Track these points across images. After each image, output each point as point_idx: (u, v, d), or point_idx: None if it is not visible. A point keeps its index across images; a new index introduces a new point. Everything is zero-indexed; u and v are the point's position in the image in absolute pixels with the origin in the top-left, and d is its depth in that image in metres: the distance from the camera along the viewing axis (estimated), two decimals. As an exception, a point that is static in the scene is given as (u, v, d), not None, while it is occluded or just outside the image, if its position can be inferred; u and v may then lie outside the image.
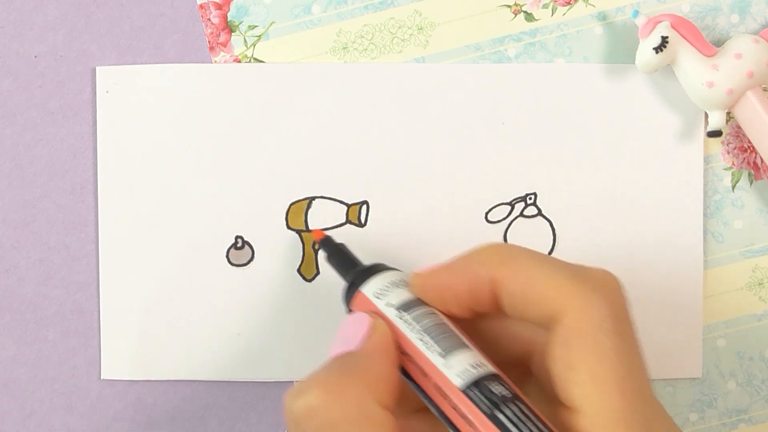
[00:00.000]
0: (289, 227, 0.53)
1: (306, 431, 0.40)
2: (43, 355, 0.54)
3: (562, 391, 0.40)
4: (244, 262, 0.53)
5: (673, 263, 0.53)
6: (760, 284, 0.53)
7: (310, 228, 0.53)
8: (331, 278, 0.53)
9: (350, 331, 0.42)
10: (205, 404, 0.54)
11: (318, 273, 0.53)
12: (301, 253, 0.53)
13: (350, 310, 0.45)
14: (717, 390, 0.54)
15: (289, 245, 0.53)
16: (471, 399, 0.40)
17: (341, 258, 0.48)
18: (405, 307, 0.43)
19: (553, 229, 0.53)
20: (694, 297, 0.53)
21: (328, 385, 0.40)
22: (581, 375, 0.39)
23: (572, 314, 0.40)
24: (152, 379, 0.54)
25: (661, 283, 0.53)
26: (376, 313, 0.43)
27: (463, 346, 0.42)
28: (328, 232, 0.53)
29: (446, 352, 0.41)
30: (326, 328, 0.53)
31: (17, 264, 0.54)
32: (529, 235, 0.53)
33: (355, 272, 0.45)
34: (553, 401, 0.41)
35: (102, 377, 0.54)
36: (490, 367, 0.41)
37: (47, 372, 0.54)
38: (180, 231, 0.53)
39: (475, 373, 0.40)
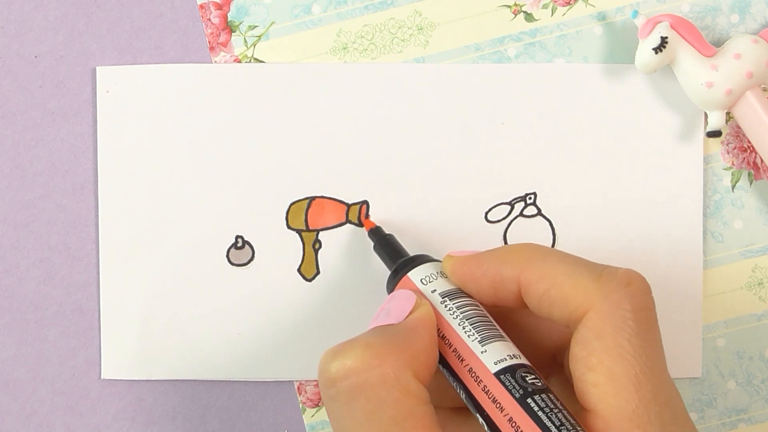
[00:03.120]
0: (289, 227, 0.53)
1: (339, 391, 0.40)
2: (43, 355, 0.54)
3: (580, 392, 0.40)
4: (244, 262, 0.53)
5: (673, 263, 0.53)
6: (759, 284, 0.54)
7: (310, 228, 0.53)
8: (331, 278, 0.53)
9: (394, 306, 0.43)
10: (205, 404, 0.54)
11: (318, 273, 0.53)
12: (301, 253, 0.53)
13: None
14: (717, 390, 0.54)
15: (289, 245, 0.53)
16: (504, 384, 0.41)
17: (388, 247, 0.50)
18: (449, 294, 0.44)
19: (553, 229, 0.53)
20: (694, 297, 0.53)
21: (370, 348, 0.40)
22: (598, 376, 0.40)
23: (593, 315, 0.40)
24: (152, 379, 0.54)
25: (661, 283, 0.53)
26: (423, 296, 0.45)
27: (501, 337, 0.43)
28: (326, 233, 0.53)
29: (484, 340, 0.42)
30: (326, 328, 0.53)
31: (17, 264, 0.54)
32: (529, 235, 0.53)
33: (403, 260, 0.47)
34: (574, 402, 0.41)
35: (102, 377, 0.54)
36: (524, 360, 0.42)
37: (47, 372, 0.54)
38: (180, 231, 0.53)
39: (510, 362, 0.42)
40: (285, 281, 0.53)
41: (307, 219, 0.53)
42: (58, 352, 0.54)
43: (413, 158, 0.53)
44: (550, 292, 0.42)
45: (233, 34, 0.53)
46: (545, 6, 0.53)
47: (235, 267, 0.53)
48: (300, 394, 0.54)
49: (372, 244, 0.51)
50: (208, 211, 0.53)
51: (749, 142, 0.53)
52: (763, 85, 0.51)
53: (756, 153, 0.53)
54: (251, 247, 0.53)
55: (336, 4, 0.53)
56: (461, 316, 0.43)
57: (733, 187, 0.53)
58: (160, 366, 0.53)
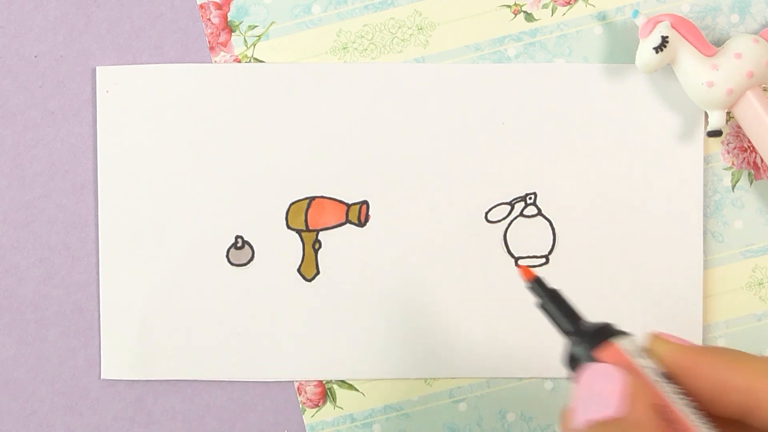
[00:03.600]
0: (289, 227, 0.53)
1: None
2: (43, 355, 0.54)
3: None
4: (244, 262, 0.53)
5: (673, 263, 0.53)
6: (760, 284, 0.53)
7: (310, 228, 0.53)
8: (331, 278, 0.53)
9: (603, 389, 0.37)
10: (205, 404, 0.54)
11: (318, 273, 0.53)
12: (301, 253, 0.53)
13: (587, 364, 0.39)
14: (717, 390, 0.53)
15: (289, 245, 0.53)
16: None
17: (563, 305, 0.41)
18: (665, 376, 0.38)
19: (553, 229, 0.53)
20: (694, 297, 0.53)
21: None
22: None
23: None
24: (152, 379, 0.54)
25: (661, 283, 0.53)
26: (634, 373, 0.38)
27: None
28: (326, 233, 0.53)
29: None
30: (326, 328, 0.53)
31: (17, 264, 0.54)
32: (529, 234, 0.53)
33: (599, 325, 0.40)
34: None
35: (102, 377, 0.54)
36: None
37: (47, 372, 0.54)
38: (180, 231, 0.53)
39: None
40: (285, 281, 0.53)
41: (307, 219, 0.53)
42: (58, 352, 0.54)
43: (413, 158, 0.53)
44: None
45: (233, 34, 0.53)
46: (545, 6, 0.53)
47: (235, 267, 0.53)
48: (300, 394, 0.54)
49: (536, 299, 0.42)
50: (208, 211, 0.53)
51: (749, 142, 0.53)
52: (763, 85, 0.51)
53: (756, 153, 0.53)
54: (251, 247, 0.53)
55: (336, 4, 0.53)
56: (687, 402, 0.37)
57: (733, 187, 0.53)
58: (160, 366, 0.53)
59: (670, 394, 0.37)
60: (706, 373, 0.38)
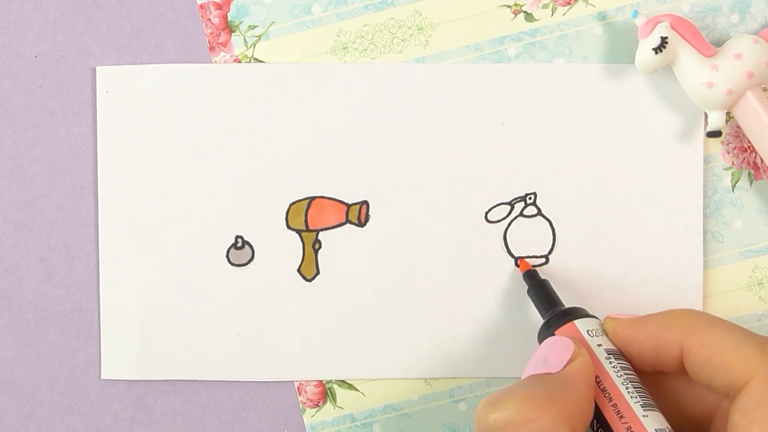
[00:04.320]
0: (289, 227, 0.53)
1: None
2: (43, 355, 0.54)
3: None
4: (244, 262, 0.53)
5: (673, 263, 0.53)
6: (760, 284, 0.53)
7: (310, 228, 0.53)
8: (331, 278, 0.53)
9: (553, 353, 0.43)
10: (205, 404, 0.54)
11: (318, 273, 0.53)
12: (301, 253, 0.53)
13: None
14: (717, 390, 0.54)
15: (289, 245, 0.53)
16: None
17: (545, 293, 0.50)
18: (614, 353, 0.45)
19: (553, 229, 0.53)
20: (694, 297, 0.53)
21: (529, 402, 0.40)
22: None
23: (756, 384, 0.41)
24: (152, 379, 0.54)
25: (661, 283, 0.53)
26: (582, 346, 0.44)
27: (656, 408, 0.43)
28: (326, 233, 0.53)
29: (645, 406, 0.43)
30: (326, 328, 0.53)
31: (17, 264, 0.54)
32: (529, 234, 0.53)
33: (564, 308, 0.48)
34: None
35: (102, 377, 0.54)
36: None
37: (47, 372, 0.54)
38: (180, 231, 0.53)
39: None
40: (285, 281, 0.53)
41: (307, 219, 0.53)
42: (58, 352, 0.54)
43: (413, 158, 0.53)
44: (713, 359, 0.42)
45: (233, 34, 0.53)
46: (545, 6, 0.53)
47: (235, 267, 0.53)
48: (300, 394, 0.54)
49: (526, 287, 0.51)
50: (208, 211, 0.53)
51: (749, 142, 0.53)
52: (763, 85, 0.51)
53: (756, 153, 0.53)
54: (251, 247, 0.53)
55: (336, 4, 0.53)
56: (625, 376, 0.44)
57: (733, 187, 0.53)
58: (160, 366, 0.53)
59: (611, 368, 0.44)
60: (643, 338, 0.44)
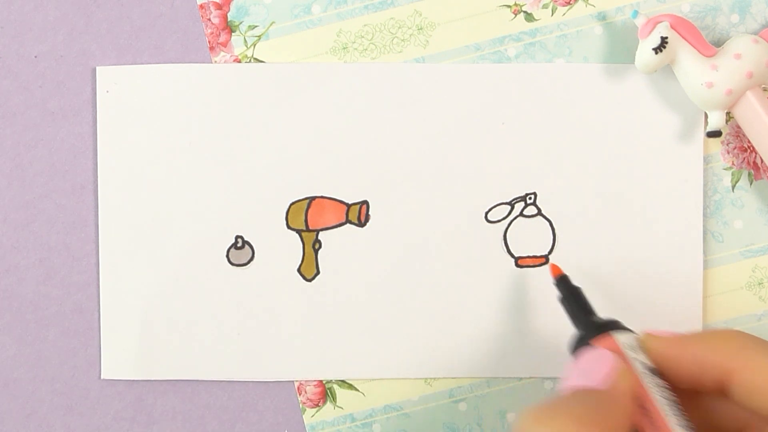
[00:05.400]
0: (289, 227, 0.53)
1: None
2: (43, 355, 0.54)
3: None
4: (244, 262, 0.53)
5: (673, 263, 0.53)
6: (760, 284, 0.54)
7: (310, 228, 0.53)
8: (331, 278, 0.53)
9: (594, 367, 0.42)
10: (205, 404, 0.54)
11: (318, 273, 0.53)
12: (301, 253, 0.53)
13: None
14: (717, 390, 0.54)
15: (289, 245, 0.53)
16: None
17: (579, 301, 0.48)
18: (653, 370, 0.43)
19: (553, 229, 0.53)
20: (694, 297, 0.53)
21: (577, 419, 0.39)
22: None
23: None
24: (152, 379, 0.54)
25: (661, 283, 0.53)
26: (621, 360, 0.43)
27: (695, 429, 0.42)
28: (326, 232, 0.53)
29: (684, 427, 0.42)
30: (326, 328, 0.53)
31: (17, 264, 0.54)
32: (529, 234, 0.53)
33: (603, 320, 0.46)
34: None
35: (102, 377, 0.54)
36: None
37: (47, 372, 0.54)
38: (180, 231, 0.53)
39: None
40: (285, 281, 0.53)
41: (307, 219, 0.53)
42: (58, 352, 0.54)
43: (413, 158, 0.53)
44: (758, 382, 0.41)
45: (233, 34, 0.53)
46: (545, 6, 0.53)
47: (235, 267, 0.53)
48: (300, 394, 0.54)
49: (559, 294, 0.50)
50: (208, 211, 0.53)
51: (749, 142, 0.53)
52: (763, 85, 0.51)
53: (756, 153, 0.53)
54: (251, 247, 0.53)
55: (336, 4, 0.53)
56: (665, 395, 0.42)
57: (733, 187, 0.53)
58: (160, 366, 0.53)
59: (651, 386, 0.42)
60: (685, 357, 0.43)
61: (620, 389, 0.41)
